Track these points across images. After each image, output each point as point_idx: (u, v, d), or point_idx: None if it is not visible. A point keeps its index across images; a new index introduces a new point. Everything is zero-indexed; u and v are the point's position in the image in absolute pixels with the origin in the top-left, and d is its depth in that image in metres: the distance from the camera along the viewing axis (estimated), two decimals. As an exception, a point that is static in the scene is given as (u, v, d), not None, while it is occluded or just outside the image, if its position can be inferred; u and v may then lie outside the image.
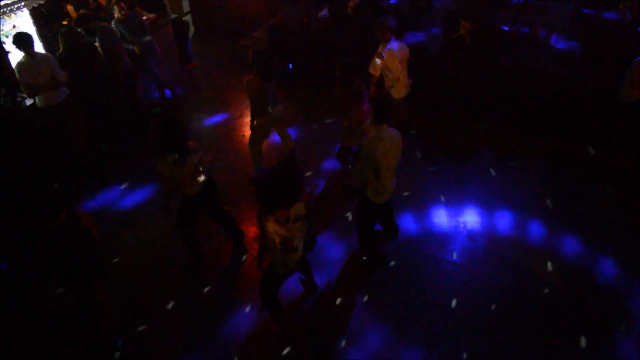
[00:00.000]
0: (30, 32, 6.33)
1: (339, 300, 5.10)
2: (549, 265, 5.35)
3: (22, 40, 6.01)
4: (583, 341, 4.66)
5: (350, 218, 6.03)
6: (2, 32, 6.52)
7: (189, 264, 5.47)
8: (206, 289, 5.28)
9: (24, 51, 6.06)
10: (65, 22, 7.56)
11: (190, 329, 4.93)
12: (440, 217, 5.98)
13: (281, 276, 4.38)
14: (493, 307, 4.95)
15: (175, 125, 4.53)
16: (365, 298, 5.11)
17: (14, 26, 6.54)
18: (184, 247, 5.34)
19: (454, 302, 5.02)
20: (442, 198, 6.24)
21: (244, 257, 5.63)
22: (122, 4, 7.28)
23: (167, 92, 8.35)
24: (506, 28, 7.64)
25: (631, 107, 6.06)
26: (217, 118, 7.98)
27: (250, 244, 5.74)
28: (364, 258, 5.48)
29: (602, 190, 6.27)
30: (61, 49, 6.59)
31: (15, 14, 6.58)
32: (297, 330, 4.84)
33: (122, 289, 5.29)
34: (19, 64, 6.10)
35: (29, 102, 6.53)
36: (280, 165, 3.90)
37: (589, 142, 6.13)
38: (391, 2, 8.79)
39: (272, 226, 3.94)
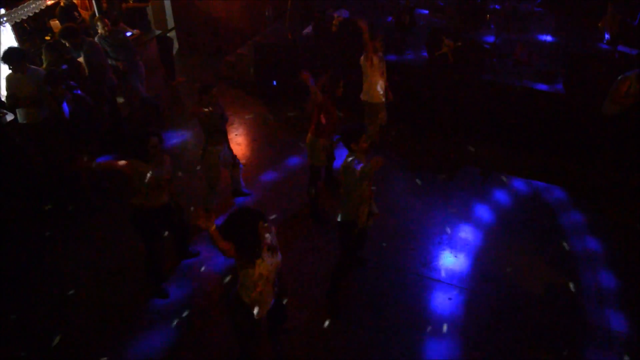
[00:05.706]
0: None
1: (324, 321, 5.04)
2: (534, 281, 5.38)
3: (13, 56, 5.87)
4: (567, 355, 4.68)
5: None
6: None
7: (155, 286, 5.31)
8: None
9: (15, 67, 5.89)
10: (48, 37, 7.50)
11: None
12: (425, 234, 5.99)
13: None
14: (478, 323, 4.95)
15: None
16: (349, 316, 5.06)
17: None
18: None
19: (438, 319, 4.99)
20: (427, 215, 6.25)
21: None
22: (106, 20, 7.25)
23: (151, 108, 8.29)
24: (491, 39, 7.78)
25: (611, 120, 6.17)
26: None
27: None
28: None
29: (587, 205, 6.37)
30: (44, 63, 6.49)
31: (-3, 29, 6.50)
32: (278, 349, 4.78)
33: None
34: (9, 78, 5.95)
35: (9, 117, 6.41)
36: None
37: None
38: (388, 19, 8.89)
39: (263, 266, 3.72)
